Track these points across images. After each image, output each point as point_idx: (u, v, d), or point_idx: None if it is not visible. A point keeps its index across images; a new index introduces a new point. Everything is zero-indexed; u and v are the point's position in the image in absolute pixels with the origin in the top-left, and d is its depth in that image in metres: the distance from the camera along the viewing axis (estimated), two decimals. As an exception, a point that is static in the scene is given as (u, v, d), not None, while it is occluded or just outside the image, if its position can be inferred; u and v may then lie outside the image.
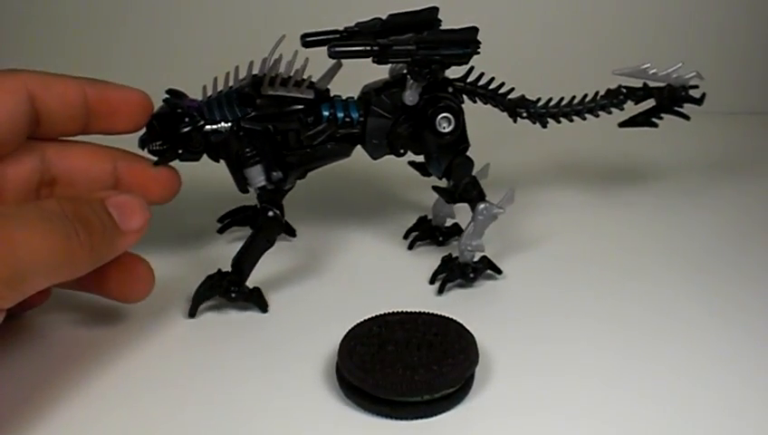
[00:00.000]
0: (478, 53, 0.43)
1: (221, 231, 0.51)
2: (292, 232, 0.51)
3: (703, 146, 0.65)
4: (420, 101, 0.44)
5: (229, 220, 0.51)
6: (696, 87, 0.51)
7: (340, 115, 0.44)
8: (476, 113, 0.47)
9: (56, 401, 0.36)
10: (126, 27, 0.70)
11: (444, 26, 0.45)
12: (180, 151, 0.42)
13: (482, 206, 0.45)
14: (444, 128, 0.44)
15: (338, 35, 0.44)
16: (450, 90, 0.45)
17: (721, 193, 0.58)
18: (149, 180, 0.42)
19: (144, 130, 0.42)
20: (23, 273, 0.31)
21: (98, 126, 0.41)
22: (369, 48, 0.41)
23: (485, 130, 0.46)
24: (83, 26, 0.70)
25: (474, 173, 0.45)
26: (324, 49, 0.42)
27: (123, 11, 0.70)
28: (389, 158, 0.46)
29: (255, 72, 0.43)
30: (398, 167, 0.49)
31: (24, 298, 0.32)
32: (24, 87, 0.38)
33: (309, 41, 0.44)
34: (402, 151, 0.46)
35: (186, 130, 0.41)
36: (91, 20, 0.70)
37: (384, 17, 0.45)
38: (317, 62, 0.43)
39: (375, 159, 0.46)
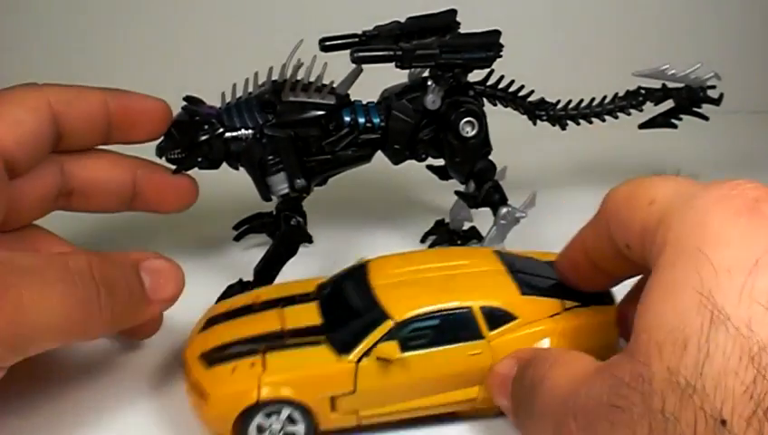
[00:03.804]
0: (501, 56, 0.43)
1: (237, 239, 0.50)
2: (308, 238, 0.50)
3: (724, 145, 0.65)
4: (442, 105, 0.43)
5: (246, 227, 0.50)
6: (713, 87, 0.51)
7: (362, 120, 0.43)
8: (496, 116, 0.46)
9: (70, 412, 0.35)
10: (142, 33, 0.69)
11: (462, 29, 0.45)
12: (199, 159, 0.41)
13: (504, 210, 0.45)
14: (467, 132, 0.43)
15: (357, 39, 0.44)
16: (471, 93, 0.45)
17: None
18: (167, 188, 0.42)
19: (162, 138, 0.42)
20: (30, 336, 0.29)
21: (118, 136, 0.41)
22: (392, 53, 0.41)
23: (505, 132, 0.46)
24: (100, 33, 0.69)
25: (492, 176, 0.45)
26: (342, 53, 0.42)
27: (140, 18, 0.69)
28: (406, 161, 0.46)
29: (275, 78, 0.43)
30: (414, 170, 0.48)
31: (26, 357, 0.30)
32: (47, 105, 0.37)
33: (328, 45, 0.43)
34: (423, 156, 0.45)
35: (205, 137, 0.41)
36: (108, 26, 0.69)
37: (402, 20, 0.44)
38: (333, 67, 0.43)
39: (396, 164, 0.45)
